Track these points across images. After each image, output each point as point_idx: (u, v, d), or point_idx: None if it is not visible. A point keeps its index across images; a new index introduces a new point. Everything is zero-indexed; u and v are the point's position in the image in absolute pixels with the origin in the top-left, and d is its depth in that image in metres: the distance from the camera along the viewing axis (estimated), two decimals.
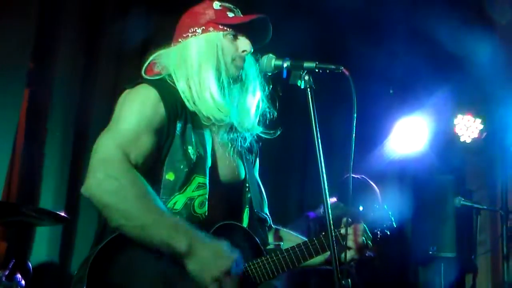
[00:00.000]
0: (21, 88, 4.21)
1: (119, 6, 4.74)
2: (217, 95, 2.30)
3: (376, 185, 4.35)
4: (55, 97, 4.39)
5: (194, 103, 2.31)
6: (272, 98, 2.53)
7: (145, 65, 2.40)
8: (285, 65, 2.25)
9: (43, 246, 4.32)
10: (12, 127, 4.15)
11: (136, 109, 2.19)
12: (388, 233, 2.59)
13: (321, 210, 4.16)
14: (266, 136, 2.55)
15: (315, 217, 4.17)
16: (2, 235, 4.04)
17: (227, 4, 2.46)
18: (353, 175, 2.13)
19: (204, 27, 2.36)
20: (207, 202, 2.24)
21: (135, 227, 2.00)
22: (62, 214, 3.53)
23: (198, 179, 2.24)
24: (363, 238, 2.42)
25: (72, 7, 4.53)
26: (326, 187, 2.08)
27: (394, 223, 2.61)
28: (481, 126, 5.80)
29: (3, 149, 4.08)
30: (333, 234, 2.04)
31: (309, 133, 2.13)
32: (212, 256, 2.02)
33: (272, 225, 2.60)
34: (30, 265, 3.70)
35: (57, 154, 4.40)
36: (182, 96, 2.31)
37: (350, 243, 2.40)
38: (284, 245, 2.42)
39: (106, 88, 4.48)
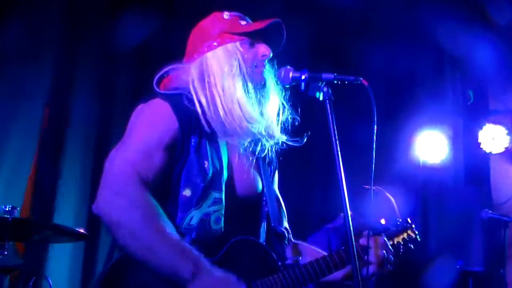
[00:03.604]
0: (41, 106, 4.23)
1: (136, 14, 4.73)
2: (245, 104, 2.24)
3: (399, 196, 4.27)
4: (75, 113, 4.41)
5: (211, 119, 2.23)
6: (293, 105, 2.47)
7: (156, 78, 2.33)
8: (303, 77, 2.20)
9: (65, 263, 4.31)
10: (33, 144, 4.17)
11: (148, 125, 2.16)
12: (412, 247, 2.50)
13: (340, 221, 4.11)
14: (293, 144, 2.45)
15: (333, 227, 4.12)
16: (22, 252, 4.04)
17: (236, 13, 2.41)
18: (369, 187, 2.08)
19: (219, 39, 2.32)
20: (223, 218, 2.20)
21: (141, 248, 1.96)
22: (81, 230, 3.50)
23: (214, 194, 2.20)
24: (384, 252, 2.34)
25: (92, 20, 4.56)
26: (347, 199, 2.01)
27: (418, 237, 2.53)
28: (508, 137, 5.69)
29: (23, 167, 4.10)
30: (354, 248, 1.97)
31: (330, 145, 2.07)
32: (215, 286, 1.96)
33: (292, 239, 2.53)
34: (51, 282, 3.68)
35: (77, 169, 4.40)
36: (199, 110, 2.24)
37: (371, 257, 2.32)
38: (303, 259, 2.35)
39: (126, 102, 4.49)
